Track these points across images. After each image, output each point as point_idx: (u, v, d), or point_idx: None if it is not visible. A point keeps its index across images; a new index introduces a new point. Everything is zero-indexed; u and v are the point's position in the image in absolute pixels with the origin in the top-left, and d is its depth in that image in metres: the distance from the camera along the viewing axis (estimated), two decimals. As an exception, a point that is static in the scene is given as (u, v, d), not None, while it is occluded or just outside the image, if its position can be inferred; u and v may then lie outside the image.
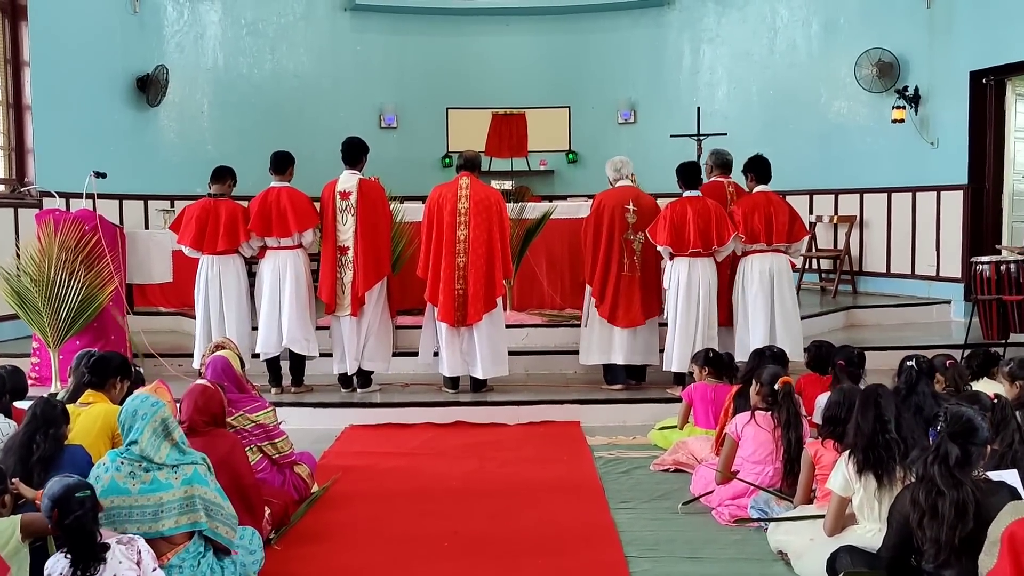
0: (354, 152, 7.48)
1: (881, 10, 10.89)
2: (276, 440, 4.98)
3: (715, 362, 6.30)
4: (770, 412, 4.99)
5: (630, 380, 7.62)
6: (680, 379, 7.26)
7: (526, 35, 13.21)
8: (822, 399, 5.53)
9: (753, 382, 5.16)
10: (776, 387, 5.02)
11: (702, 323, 7.21)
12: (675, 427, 6.40)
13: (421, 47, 13.02)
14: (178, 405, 4.55)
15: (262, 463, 4.93)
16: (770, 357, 5.79)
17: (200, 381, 4.52)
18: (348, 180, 7.42)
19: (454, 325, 7.32)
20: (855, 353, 5.86)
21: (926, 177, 10.44)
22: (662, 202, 9.40)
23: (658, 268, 7.56)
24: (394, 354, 8.18)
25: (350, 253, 7.36)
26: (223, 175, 7.63)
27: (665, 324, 7.50)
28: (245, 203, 7.61)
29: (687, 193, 7.37)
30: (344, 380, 7.60)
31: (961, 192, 10.11)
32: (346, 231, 7.37)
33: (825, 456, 4.43)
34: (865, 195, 11.18)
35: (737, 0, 12.42)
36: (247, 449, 4.85)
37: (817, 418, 5.48)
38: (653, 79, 13.00)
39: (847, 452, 4.04)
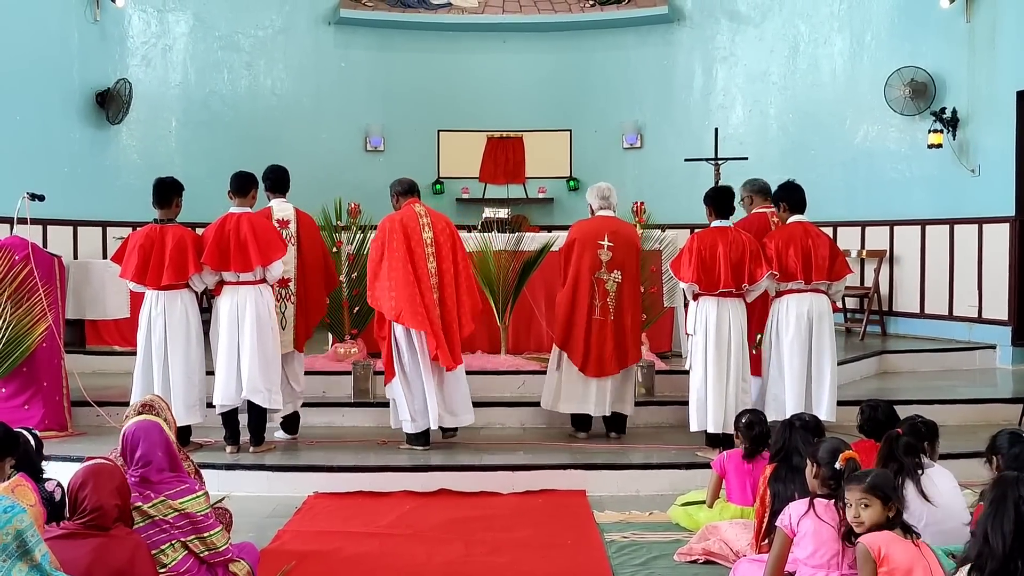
0: (284, 179, 7.01)
1: (914, 26, 10.02)
2: (206, 534, 3.89)
3: (757, 437, 5.22)
4: (834, 500, 3.93)
5: (611, 433, 6.78)
6: (714, 441, 6.21)
7: (524, 53, 12.32)
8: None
9: (808, 463, 4.11)
10: (838, 466, 3.98)
11: (734, 374, 6.21)
12: (702, 503, 5.34)
13: (411, 65, 12.14)
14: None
15: (186, 562, 3.84)
16: (802, 428, 4.73)
17: (95, 461, 3.45)
18: (284, 208, 6.93)
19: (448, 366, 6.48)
20: (920, 422, 4.80)
21: (966, 208, 9.53)
22: (673, 233, 8.59)
23: (636, 312, 6.67)
24: (373, 403, 7.31)
25: (292, 285, 6.80)
26: (167, 196, 6.56)
27: (675, 371, 6.58)
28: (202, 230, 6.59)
29: (716, 223, 6.36)
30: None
31: (1007, 225, 9.18)
32: (287, 261, 6.72)
33: (896, 554, 3.37)
34: (896, 227, 10.27)
35: (753, 16, 11.53)
36: (168, 545, 3.80)
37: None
38: (661, 101, 12.10)
39: (966, 570, 2.98)
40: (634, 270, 6.65)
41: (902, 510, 3.63)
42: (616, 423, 6.81)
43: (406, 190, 6.85)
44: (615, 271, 6.58)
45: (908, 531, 3.55)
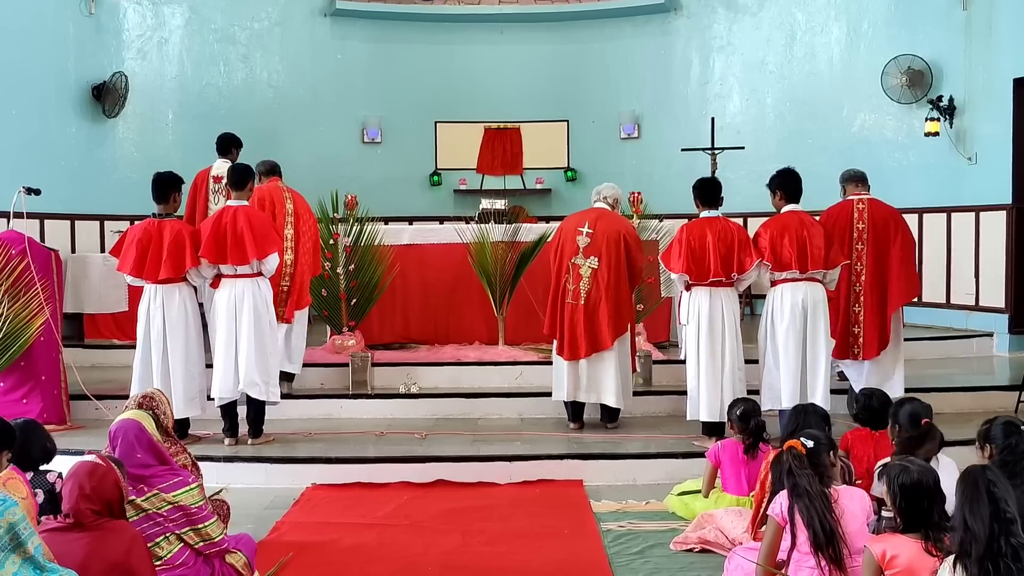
0: (226, 144, 8.63)
1: (911, 14, 10.00)
2: (200, 525, 3.91)
3: (755, 430, 5.21)
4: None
5: (607, 424, 6.79)
6: (711, 429, 6.24)
7: (521, 44, 12.27)
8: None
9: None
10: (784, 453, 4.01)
11: (729, 362, 6.24)
12: (698, 492, 5.36)
13: (408, 56, 12.10)
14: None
15: (182, 554, 3.86)
16: (814, 414, 4.78)
17: (88, 457, 3.46)
18: (221, 167, 8.33)
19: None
20: (922, 409, 4.81)
21: (963, 196, 9.52)
22: (670, 223, 8.58)
23: (612, 298, 6.56)
24: (371, 395, 7.31)
25: None
26: (164, 191, 6.56)
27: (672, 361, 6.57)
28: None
29: (705, 213, 6.38)
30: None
31: (1004, 212, 9.15)
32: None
33: (902, 555, 3.36)
34: (893, 216, 10.20)
35: (750, 5, 11.50)
36: (162, 538, 3.81)
37: (877, 489, 4.49)
38: (659, 91, 12.06)
39: (952, 559, 3.00)
40: (614, 258, 6.57)
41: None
42: (606, 413, 6.80)
43: (269, 170, 7.49)
44: (591, 257, 6.61)
45: (930, 539, 3.38)
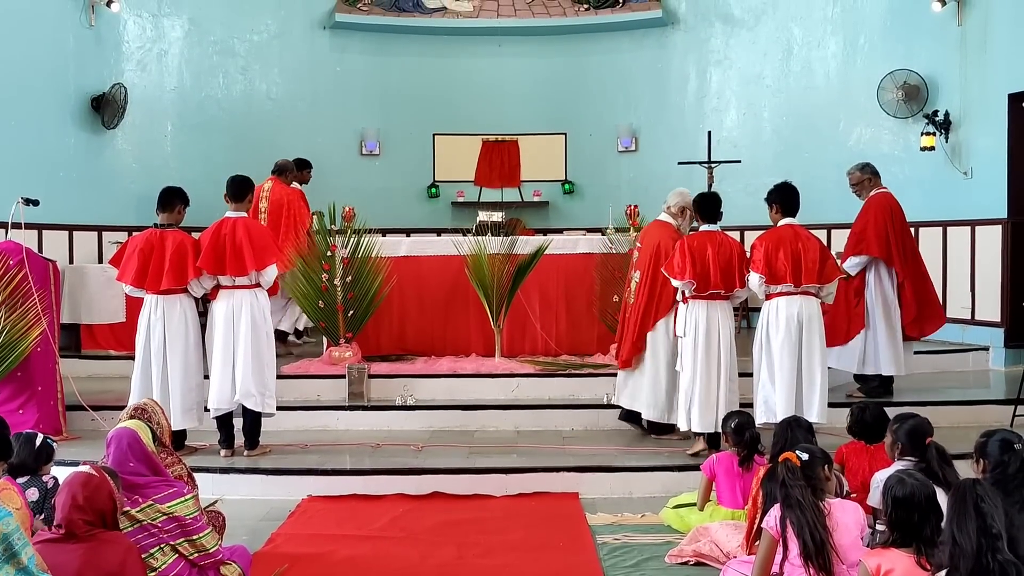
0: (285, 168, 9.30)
1: (906, 29, 10.04)
2: (195, 536, 3.91)
3: (750, 442, 5.24)
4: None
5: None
6: (707, 441, 6.28)
7: (520, 57, 12.31)
8: (880, 477, 4.54)
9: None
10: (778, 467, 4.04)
11: (724, 375, 6.26)
12: (693, 505, 5.36)
13: (406, 69, 12.15)
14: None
15: (176, 566, 3.86)
16: (804, 430, 4.81)
17: (82, 468, 3.47)
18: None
19: None
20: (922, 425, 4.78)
21: (959, 210, 9.52)
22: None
23: (635, 313, 6.65)
24: (368, 407, 7.31)
25: None
26: (169, 199, 6.57)
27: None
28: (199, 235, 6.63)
29: (704, 227, 6.41)
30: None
31: (999, 227, 9.18)
32: None
33: (896, 570, 3.38)
34: (889, 230, 10.22)
35: (747, 20, 11.56)
36: (157, 549, 3.81)
37: (873, 500, 4.52)
38: (656, 104, 12.10)
39: (943, 574, 3.01)
40: (649, 272, 6.63)
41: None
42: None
43: (271, 170, 9.15)
44: (636, 272, 6.78)
45: (922, 553, 3.37)
